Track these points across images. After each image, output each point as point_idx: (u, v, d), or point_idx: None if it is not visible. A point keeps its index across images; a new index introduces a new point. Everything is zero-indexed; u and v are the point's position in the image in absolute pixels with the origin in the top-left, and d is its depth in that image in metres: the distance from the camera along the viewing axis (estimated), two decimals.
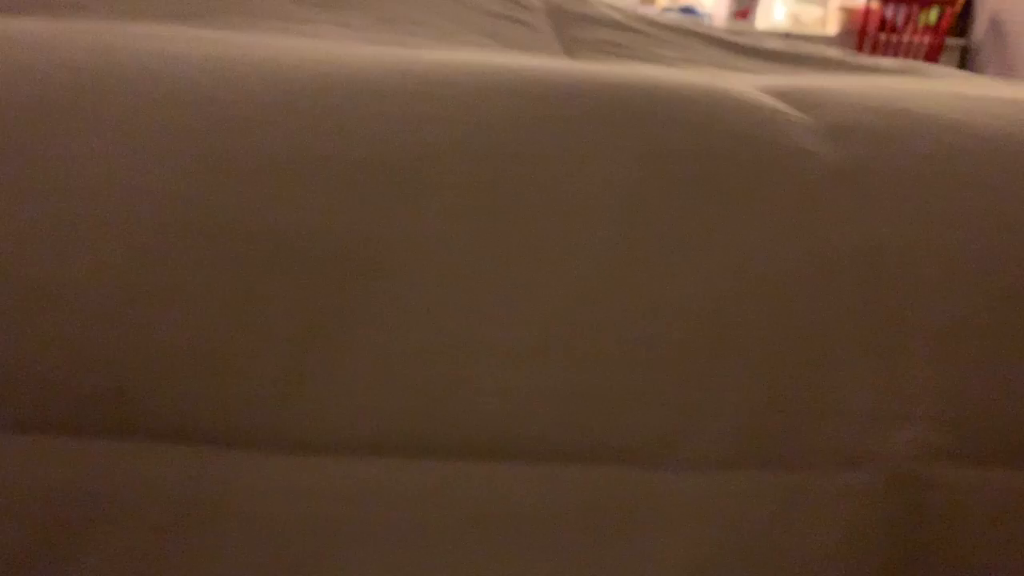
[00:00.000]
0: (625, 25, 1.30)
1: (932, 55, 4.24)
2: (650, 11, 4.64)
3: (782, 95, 0.51)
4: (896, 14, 4.22)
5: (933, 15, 4.24)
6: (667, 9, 4.53)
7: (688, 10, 4.55)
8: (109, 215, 0.35)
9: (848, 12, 4.36)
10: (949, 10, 4.16)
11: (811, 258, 0.39)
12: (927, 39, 4.22)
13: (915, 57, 4.28)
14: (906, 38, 4.23)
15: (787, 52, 1.32)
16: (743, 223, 0.39)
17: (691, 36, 1.36)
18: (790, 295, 0.38)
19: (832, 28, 4.43)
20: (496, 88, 0.42)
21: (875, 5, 4.19)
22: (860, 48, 4.27)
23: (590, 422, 0.36)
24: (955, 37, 4.37)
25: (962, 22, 4.40)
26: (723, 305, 0.38)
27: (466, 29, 1.08)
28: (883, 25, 4.24)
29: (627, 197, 0.39)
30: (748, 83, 0.57)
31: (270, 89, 0.41)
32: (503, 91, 0.42)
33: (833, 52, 1.43)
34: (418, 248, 0.37)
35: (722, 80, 0.52)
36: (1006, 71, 4.08)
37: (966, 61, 4.47)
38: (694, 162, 0.40)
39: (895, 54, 4.26)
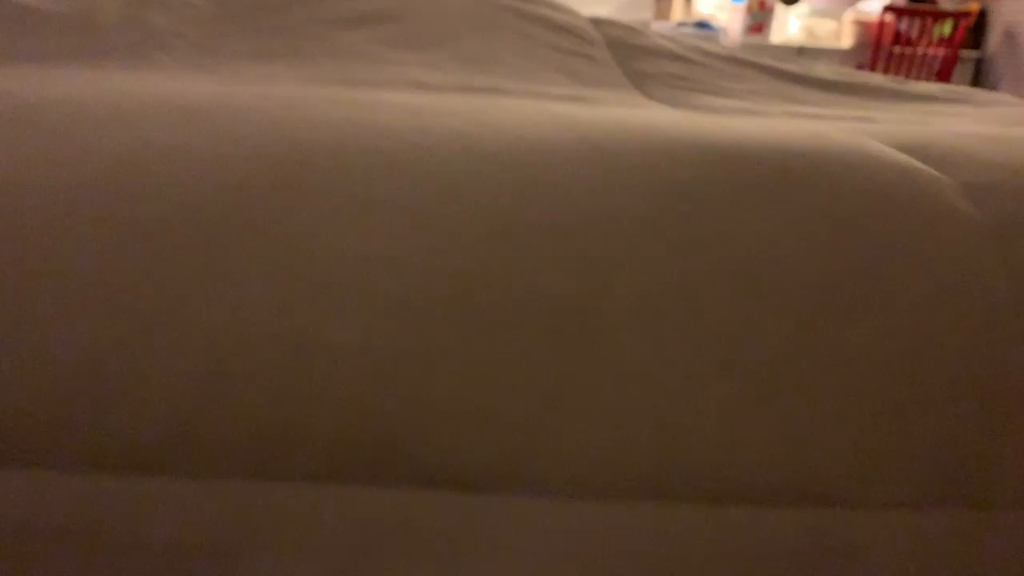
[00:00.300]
0: (683, 56, 1.34)
1: (947, 67, 4.29)
2: (665, 27, 4.69)
3: (909, 150, 0.56)
4: (910, 27, 4.27)
5: (947, 27, 4.29)
6: (682, 24, 4.59)
7: (703, 25, 4.61)
8: (372, 284, 0.40)
9: (862, 25, 4.41)
10: (963, 22, 4.21)
11: (977, 313, 0.43)
12: (942, 51, 4.27)
13: (930, 69, 4.33)
14: (920, 50, 4.28)
15: (840, 81, 1.36)
16: (914, 281, 0.43)
17: (745, 66, 1.39)
18: (963, 346, 0.43)
19: (846, 41, 4.47)
20: (678, 156, 0.47)
21: (889, 18, 4.24)
22: (875, 61, 4.32)
23: (796, 467, 0.40)
24: (969, 49, 4.42)
25: (976, 34, 4.45)
26: (906, 357, 0.42)
27: (542, 67, 1.12)
28: (897, 38, 4.29)
29: (812, 259, 0.43)
30: (869, 134, 0.61)
31: (479, 161, 0.45)
32: (685, 158, 0.47)
33: (881, 79, 1.47)
34: (632, 307, 0.41)
35: (853, 136, 0.56)
36: (1021, 82, 4.13)
37: (980, 73, 4.52)
38: (864, 226, 0.45)
39: (910, 67, 4.31)
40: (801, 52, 4.51)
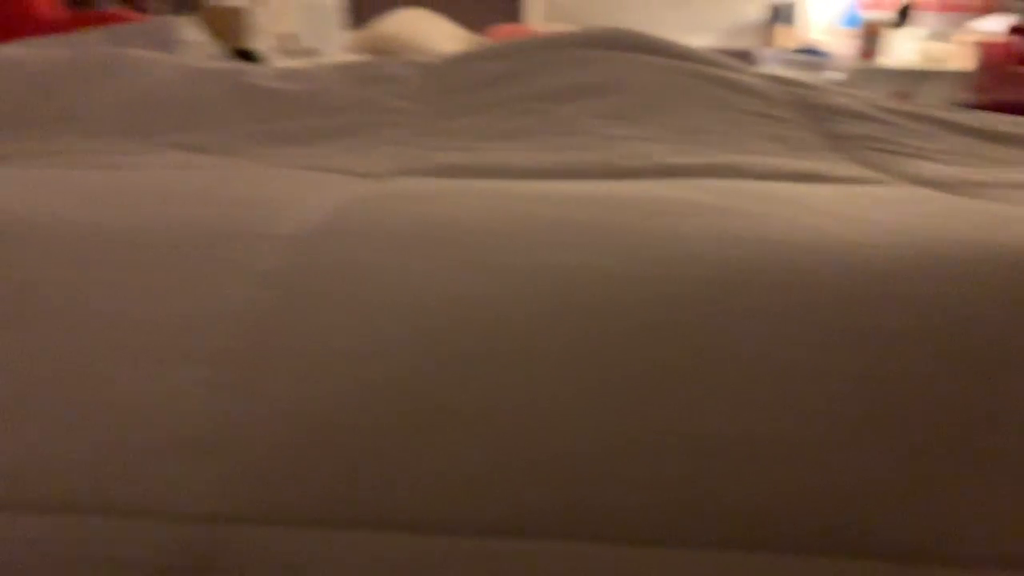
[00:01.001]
0: (864, 113, 1.38)
1: None
2: (773, 54, 4.69)
3: None
4: None
5: None
6: (795, 51, 4.61)
7: (811, 51, 4.63)
8: (787, 391, 0.50)
9: (978, 46, 4.36)
10: None
11: None
12: None
13: None
14: None
15: (1019, 134, 1.39)
16: None
17: (920, 120, 1.43)
18: None
19: (962, 63, 4.43)
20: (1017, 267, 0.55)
21: (1007, 38, 4.19)
22: (992, 81, 4.26)
23: None
24: None
25: None
26: None
27: (748, 135, 1.20)
28: (1015, 57, 4.23)
29: None
30: None
31: (849, 276, 0.54)
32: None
33: None
34: (995, 402, 0.50)
35: None
36: None
37: None
38: None
39: None
40: (915, 75, 4.49)
